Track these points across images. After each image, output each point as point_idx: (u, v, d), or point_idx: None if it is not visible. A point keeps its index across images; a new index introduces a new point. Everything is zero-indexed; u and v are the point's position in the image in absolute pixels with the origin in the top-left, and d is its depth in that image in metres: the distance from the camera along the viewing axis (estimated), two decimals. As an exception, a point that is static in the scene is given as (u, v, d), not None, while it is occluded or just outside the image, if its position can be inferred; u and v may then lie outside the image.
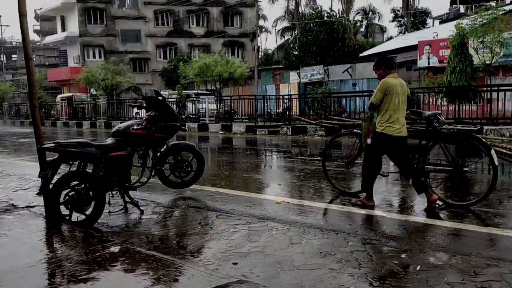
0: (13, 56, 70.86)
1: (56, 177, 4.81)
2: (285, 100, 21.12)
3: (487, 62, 14.45)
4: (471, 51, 14.56)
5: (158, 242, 4.33)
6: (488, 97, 13.98)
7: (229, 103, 21.83)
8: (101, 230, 4.70)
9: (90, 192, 4.81)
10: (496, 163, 5.20)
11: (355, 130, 6.42)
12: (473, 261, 3.57)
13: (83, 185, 4.81)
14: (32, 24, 58.68)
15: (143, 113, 6.17)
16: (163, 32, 44.30)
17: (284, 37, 52.68)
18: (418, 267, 3.46)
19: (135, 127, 5.46)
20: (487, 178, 6.02)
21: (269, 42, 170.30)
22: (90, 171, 5.13)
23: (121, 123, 5.99)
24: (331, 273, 3.43)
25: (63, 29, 44.95)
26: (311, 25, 33.17)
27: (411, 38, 27.03)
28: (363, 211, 5.31)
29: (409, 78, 23.16)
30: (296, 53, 35.02)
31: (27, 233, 4.39)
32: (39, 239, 4.27)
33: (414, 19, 43.80)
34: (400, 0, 44.10)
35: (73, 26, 42.79)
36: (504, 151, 5.93)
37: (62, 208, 4.73)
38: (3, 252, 3.84)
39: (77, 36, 42.01)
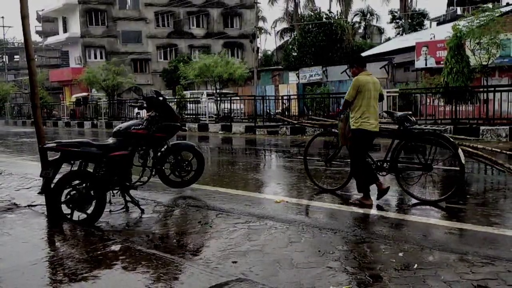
0: (15, 56, 70.85)
1: (57, 177, 4.81)
2: (284, 101, 21.12)
3: (484, 63, 14.45)
4: (468, 52, 14.56)
5: (159, 240, 4.32)
6: (485, 97, 13.99)
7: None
8: (102, 229, 4.70)
9: (91, 191, 4.81)
10: (463, 161, 5.36)
11: (333, 130, 6.55)
12: (470, 260, 3.58)
13: (84, 185, 4.81)
14: (34, 25, 58.73)
15: (143, 113, 6.17)
16: (164, 33, 44.29)
17: (283, 38, 52.69)
18: (416, 266, 3.46)
19: (136, 127, 5.46)
20: (455, 176, 6.12)
21: (268, 43, 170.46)
22: (91, 170, 5.13)
23: (122, 123, 5.98)
24: (329, 272, 3.43)
25: (65, 30, 44.95)
26: (310, 26, 33.17)
27: (409, 40, 27.05)
28: (361, 210, 5.31)
29: (406, 79, 23.21)
30: (295, 54, 35.00)
31: (29, 231, 4.39)
32: (41, 238, 4.27)
33: (412, 20, 43.83)
34: (398, 2, 44.08)
35: (75, 27, 42.78)
36: (471, 150, 6.08)
37: (64, 207, 4.73)
38: (5, 251, 3.84)
39: (79, 37, 42.00)
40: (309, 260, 3.67)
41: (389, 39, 44.82)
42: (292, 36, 46.19)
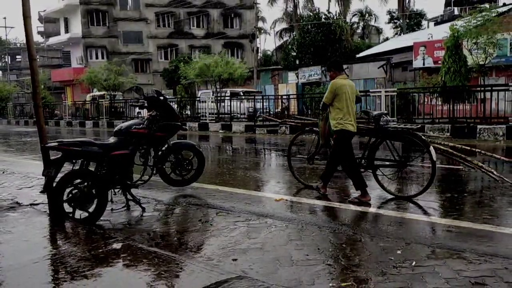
0: (17, 57, 70.76)
1: (59, 175, 4.81)
2: (283, 100, 21.10)
3: (481, 62, 14.45)
4: (465, 52, 14.56)
5: (160, 238, 4.32)
6: (482, 97, 13.99)
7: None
8: (104, 227, 4.69)
9: (93, 190, 4.80)
10: (434, 158, 5.53)
11: (314, 129, 6.69)
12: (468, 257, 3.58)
13: (86, 183, 4.80)
14: (36, 25, 58.67)
15: (144, 112, 6.17)
16: (164, 34, 44.25)
17: (282, 38, 52.61)
18: (414, 263, 3.46)
19: (137, 126, 5.45)
20: (427, 172, 6.23)
21: (268, 43, 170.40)
22: (93, 169, 5.13)
23: (123, 122, 5.98)
24: (328, 269, 3.42)
25: (66, 31, 44.91)
26: (309, 26, 33.15)
27: (407, 40, 27.02)
28: (359, 208, 5.31)
29: (404, 79, 23.19)
30: (295, 54, 35.02)
31: (31, 230, 4.39)
32: (43, 236, 4.27)
33: (410, 20, 43.82)
34: (396, 2, 43.97)
35: (76, 28, 42.75)
36: (442, 147, 6.22)
37: (66, 205, 4.73)
38: (8, 249, 3.84)
39: (80, 38, 41.96)
40: (309, 258, 3.67)
41: (387, 39, 44.80)
42: (291, 36, 46.19)
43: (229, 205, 5.54)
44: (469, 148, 6.63)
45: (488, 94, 13.78)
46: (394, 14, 46.54)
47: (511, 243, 4.01)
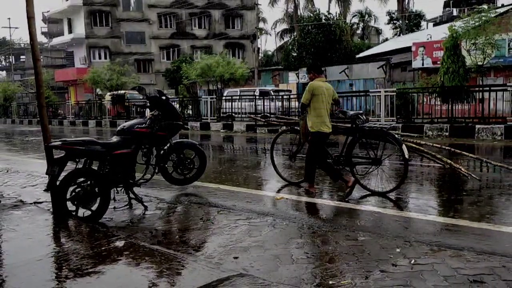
0: (21, 57, 70.79)
1: (63, 174, 4.81)
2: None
3: (479, 63, 14.42)
4: (464, 53, 14.53)
5: (162, 236, 4.32)
6: (480, 97, 13.96)
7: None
8: (107, 225, 4.70)
9: (96, 189, 4.80)
10: (407, 156, 5.71)
11: (295, 128, 6.91)
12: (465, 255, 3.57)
13: (89, 182, 4.80)
14: (40, 26, 58.56)
15: (147, 112, 6.17)
16: (167, 34, 44.26)
17: (283, 39, 52.65)
18: (413, 261, 3.46)
19: (139, 125, 5.45)
20: (400, 169, 6.36)
21: (268, 43, 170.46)
22: (96, 168, 5.13)
23: (125, 122, 5.98)
24: (328, 267, 3.42)
25: (70, 31, 44.92)
26: (309, 27, 33.12)
27: (406, 40, 27.00)
28: (358, 207, 5.31)
29: (404, 79, 23.18)
30: (295, 54, 34.97)
31: (35, 228, 4.39)
32: (47, 234, 4.27)
33: (409, 21, 43.75)
34: (396, 3, 43.95)
35: (80, 28, 42.76)
36: (414, 146, 6.44)
37: (69, 204, 4.73)
38: (11, 247, 3.84)
39: (83, 38, 41.97)
40: (309, 256, 3.67)
41: (386, 39, 44.77)
42: (292, 37, 46.14)
43: (230, 203, 5.54)
44: (439, 146, 6.88)
45: (486, 94, 13.76)
46: (393, 15, 46.48)
47: (509, 241, 4.01)
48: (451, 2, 39.68)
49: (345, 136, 6.30)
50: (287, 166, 7.98)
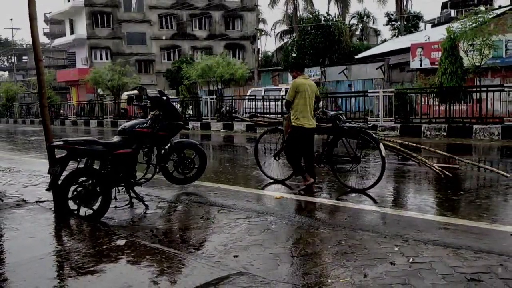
0: (23, 57, 70.77)
1: (64, 174, 4.81)
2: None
3: (477, 64, 14.41)
4: (461, 54, 14.52)
5: (162, 235, 4.32)
6: (478, 97, 13.96)
7: (230, 103, 21.84)
8: (108, 224, 4.70)
9: (97, 188, 4.80)
10: (384, 154, 5.90)
11: (279, 127, 7.05)
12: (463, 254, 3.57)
13: (90, 181, 4.80)
14: (42, 27, 58.60)
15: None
16: (167, 35, 44.25)
17: (283, 39, 52.60)
18: (411, 259, 3.45)
19: (140, 125, 5.45)
20: (378, 167, 6.44)
21: (268, 44, 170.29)
22: (97, 167, 5.13)
23: (127, 122, 5.98)
24: (328, 265, 3.42)
25: (72, 32, 44.91)
26: (309, 28, 33.13)
27: (404, 41, 26.98)
28: (358, 206, 5.31)
29: (402, 79, 23.16)
30: (295, 55, 34.97)
31: (37, 227, 4.39)
32: (49, 233, 4.27)
33: (407, 22, 43.73)
34: (394, 5, 43.95)
35: (81, 29, 42.75)
36: (391, 144, 6.63)
37: (71, 203, 4.73)
38: (14, 245, 3.84)
39: (85, 39, 41.97)
40: (308, 254, 3.66)
41: (385, 40, 44.76)
42: (292, 38, 46.15)
43: (231, 202, 5.53)
44: (414, 145, 7.05)
45: (484, 95, 13.75)
46: (392, 16, 46.48)
47: (506, 240, 4.01)
48: (449, 3, 39.72)
49: (327, 136, 6.49)
50: (274, 164, 7.94)
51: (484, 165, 7.40)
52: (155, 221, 4.83)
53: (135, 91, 28.04)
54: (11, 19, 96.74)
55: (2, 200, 5.45)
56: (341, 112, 6.68)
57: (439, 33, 17.25)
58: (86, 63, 41.76)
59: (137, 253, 3.56)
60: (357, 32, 50.06)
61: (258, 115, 9.10)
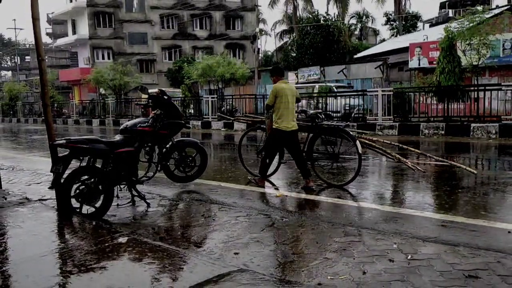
0: (26, 57, 70.79)
1: (67, 172, 4.81)
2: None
3: (474, 63, 14.40)
4: (459, 53, 14.51)
5: (164, 233, 4.32)
6: (475, 96, 13.95)
7: (230, 102, 21.83)
8: (110, 222, 4.69)
9: (100, 186, 4.80)
10: (360, 151, 6.07)
11: (262, 126, 7.24)
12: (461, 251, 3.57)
13: (92, 180, 4.80)
14: (45, 27, 58.55)
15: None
16: (169, 35, 44.21)
17: (283, 39, 52.50)
18: (410, 257, 3.45)
19: (142, 124, 5.45)
20: (355, 164, 6.49)
21: (268, 44, 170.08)
22: (100, 166, 5.12)
23: (128, 121, 5.98)
24: (327, 262, 3.42)
25: (74, 32, 44.87)
26: (308, 28, 33.11)
27: (403, 41, 26.97)
28: (356, 204, 5.31)
29: (400, 78, 23.15)
30: (294, 54, 34.98)
31: (40, 224, 4.39)
32: (51, 231, 4.27)
33: (406, 22, 43.65)
34: (392, 5, 43.88)
35: (83, 29, 42.71)
36: (367, 142, 6.75)
37: (73, 201, 4.73)
38: (17, 243, 3.84)
39: (87, 39, 41.94)
40: (308, 252, 3.66)
41: (384, 40, 44.65)
42: (291, 38, 46.11)
43: (231, 200, 5.53)
44: (388, 142, 7.13)
45: (481, 94, 13.74)
46: (390, 16, 46.34)
47: (503, 237, 4.01)
48: (447, 3, 39.67)
49: (307, 134, 6.63)
50: (256, 161, 8.03)
51: (453, 162, 7.31)
52: (156, 219, 4.83)
53: (156, 90, 28.23)
54: (14, 20, 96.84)
55: (6, 198, 5.45)
56: (319, 111, 6.85)
57: (437, 33, 17.24)
58: (88, 63, 41.73)
59: (139, 251, 3.56)
60: (356, 32, 49.92)
61: (239, 114, 9.36)
